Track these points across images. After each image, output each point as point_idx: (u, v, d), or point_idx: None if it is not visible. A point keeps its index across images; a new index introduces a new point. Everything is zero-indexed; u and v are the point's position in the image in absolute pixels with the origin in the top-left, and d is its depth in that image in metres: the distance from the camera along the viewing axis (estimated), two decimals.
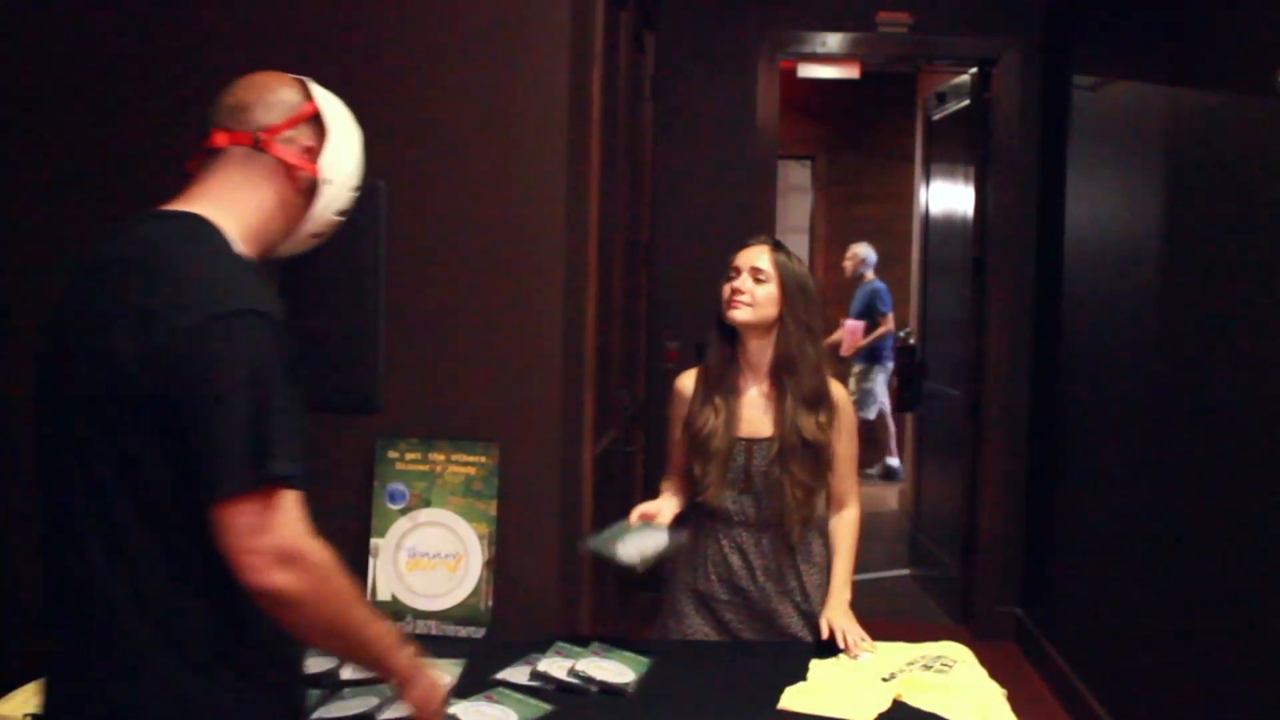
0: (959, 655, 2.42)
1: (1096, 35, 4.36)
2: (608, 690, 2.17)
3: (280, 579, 1.37)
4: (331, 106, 1.71)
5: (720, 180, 4.98)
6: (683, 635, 2.55)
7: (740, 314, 2.48)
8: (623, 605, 4.04)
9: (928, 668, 2.34)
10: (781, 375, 2.50)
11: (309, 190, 1.66)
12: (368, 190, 2.45)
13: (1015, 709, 2.21)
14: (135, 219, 1.57)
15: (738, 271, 2.51)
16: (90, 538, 1.43)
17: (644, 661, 2.29)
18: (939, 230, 5.79)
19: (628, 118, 3.80)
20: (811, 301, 2.52)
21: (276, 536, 1.37)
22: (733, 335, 2.53)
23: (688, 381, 2.58)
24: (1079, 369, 4.38)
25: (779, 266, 2.50)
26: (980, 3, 4.96)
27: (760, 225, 4.95)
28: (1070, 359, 4.48)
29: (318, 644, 1.58)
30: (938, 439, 5.74)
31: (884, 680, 2.27)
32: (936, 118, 5.78)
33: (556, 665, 2.24)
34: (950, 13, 4.95)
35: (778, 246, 2.55)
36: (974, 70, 5.13)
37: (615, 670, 2.23)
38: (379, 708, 2.04)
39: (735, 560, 2.52)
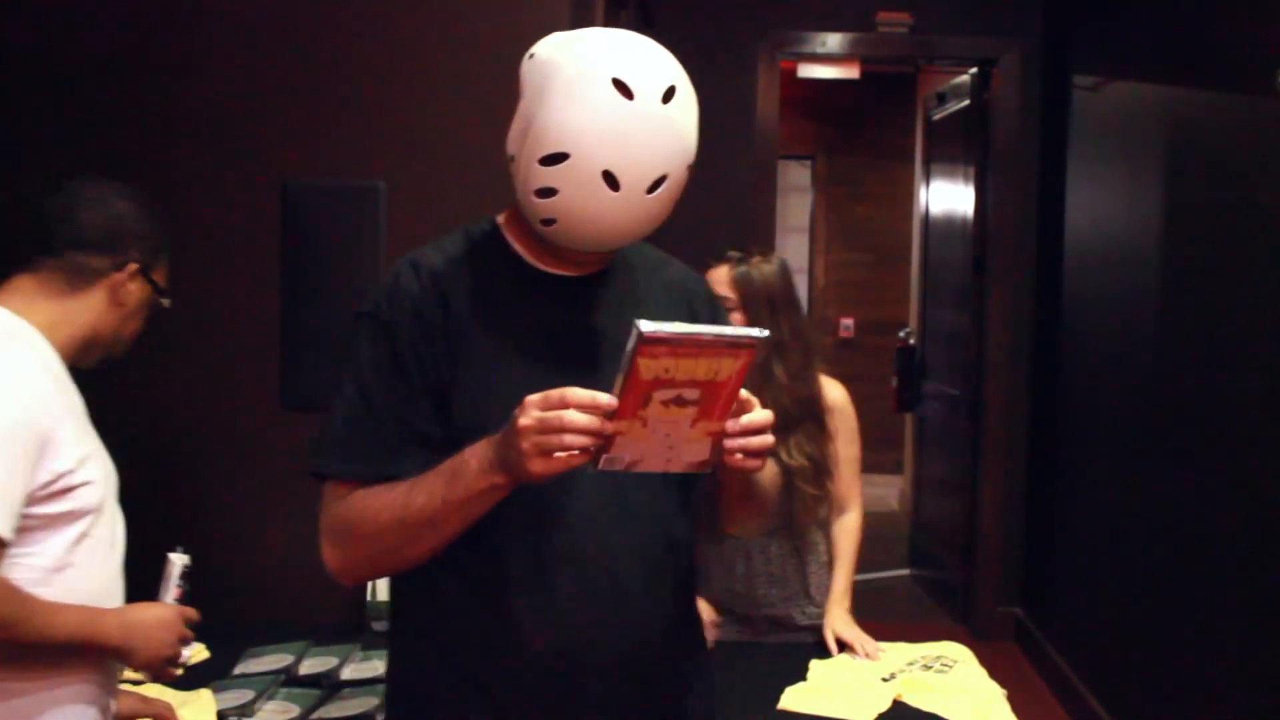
0: (959, 655, 2.43)
1: (1096, 35, 4.36)
2: None
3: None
4: (537, 74, 1.42)
5: (720, 180, 4.98)
6: None
7: None
8: None
9: (928, 668, 2.35)
10: None
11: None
12: (368, 190, 2.46)
13: (1015, 709, 2.21)
14: None
15: None
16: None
17: None
18: (939, 230, 5.79)
19: None
20: (779, 310, 2.39)
21: None
22: None
23: None
24: (1079, 369, 4.38)
25: (738, 286, 2.38)
26: (980, 3, 4.96)
27: (760, 225, 4.96)
28: (1070, 359, 4.48)
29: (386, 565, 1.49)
30: (938, 439, 5.74)
31: (884, 680, 2.28)
32: (936, 118, 5.78)
33: None
34: (950, 13, 4.95)
35: (740, 260, 2.41)
36: (974, 70, 5.13)
37: None
38: (379, 708, 2.04)
39: (740, 567, 2.52)
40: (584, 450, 1.23)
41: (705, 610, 2.47)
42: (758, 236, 4.88)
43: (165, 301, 1.81)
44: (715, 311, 1.65)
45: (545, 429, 1.22)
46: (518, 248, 1.50)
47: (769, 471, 1.60)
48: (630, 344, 1.19)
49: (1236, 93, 3.09)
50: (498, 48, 2.69)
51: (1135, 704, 3.65)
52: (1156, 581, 3.48)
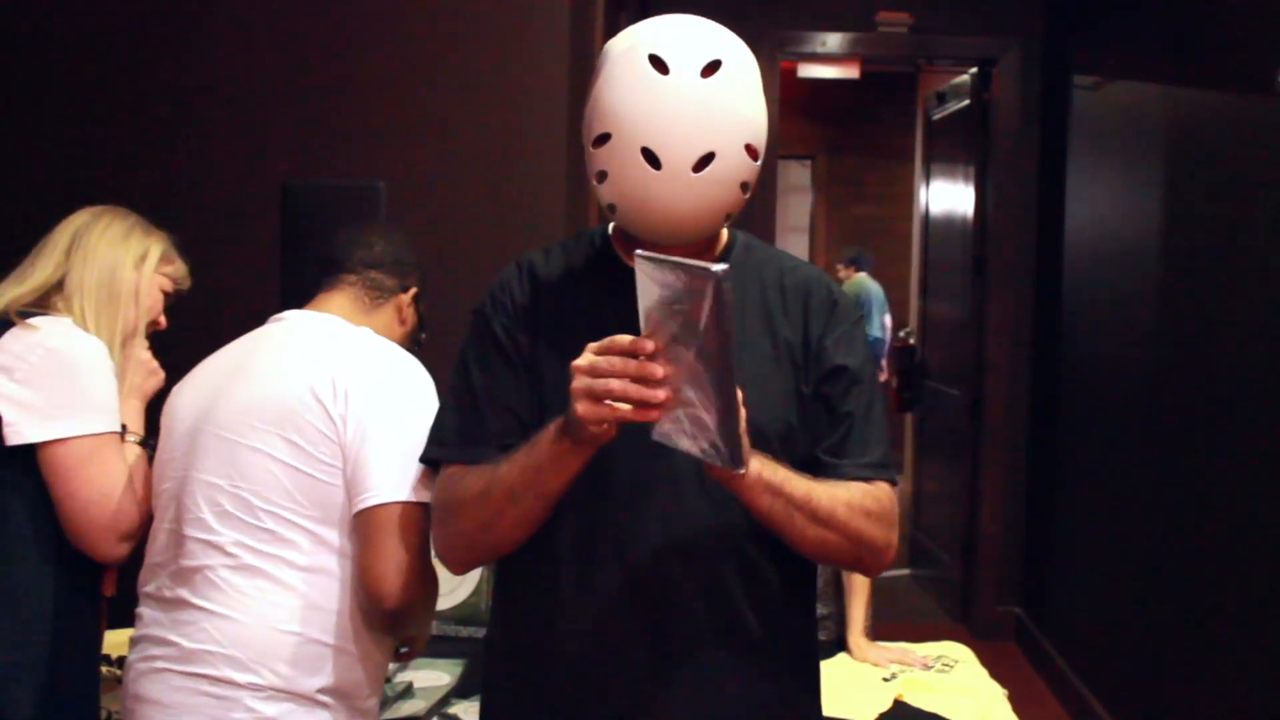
0: (959, 655, 2.43)
1: (1096, 35, 4.36)
2: None
3: None
4: (599, 60, 1.41)
5: None
6: None
7: None
8: None
9: (928, 668, 2.35)
10: None
11: None
12: (368, 190, 2.46)
13: (1015, 709, 2.21)
14: None
15: None
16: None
17: None
18: (939, 230, 5.79)
19: None
20: None
21: None
22: None
23: None
24: (1079, 369, 4.38)
25: None
26: (980, 3, 4.96)
27: (760, 225, 4.95)
28: (1070, 359, 4.48)
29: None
30: (938, 439, 5.74)
31: (884, 680, 2.28)
32: (936, 118, 5.78)
33: None
34: (950, 13, 4.95)
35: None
36: (974, 70, 5.13)
37: None
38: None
39: None
40: (633, 401, 1.17)
41: None
42: (757, 236, 4.88)
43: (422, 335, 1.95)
44: (831, 317, 1.50)
45: (595, 371, 1.19)
46: (618, 246, 1.49)
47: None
48: (637, 275, 1.17)
49: (1236, 93, 3.09)
50: (498, 48, 2.69)
51: (1135, 704, 3.65)
52: (1156, 581, 3.48)
